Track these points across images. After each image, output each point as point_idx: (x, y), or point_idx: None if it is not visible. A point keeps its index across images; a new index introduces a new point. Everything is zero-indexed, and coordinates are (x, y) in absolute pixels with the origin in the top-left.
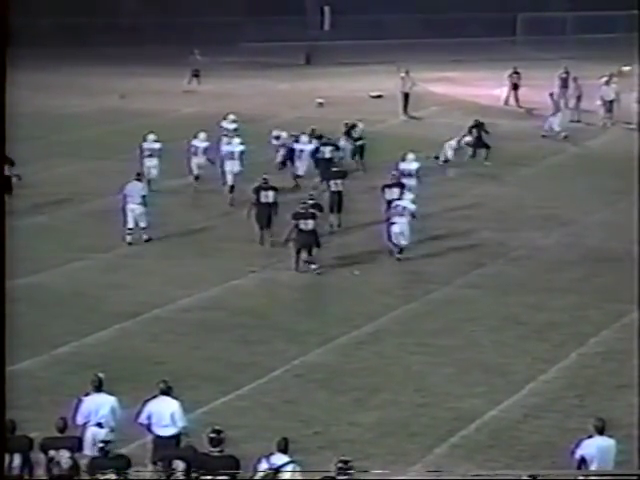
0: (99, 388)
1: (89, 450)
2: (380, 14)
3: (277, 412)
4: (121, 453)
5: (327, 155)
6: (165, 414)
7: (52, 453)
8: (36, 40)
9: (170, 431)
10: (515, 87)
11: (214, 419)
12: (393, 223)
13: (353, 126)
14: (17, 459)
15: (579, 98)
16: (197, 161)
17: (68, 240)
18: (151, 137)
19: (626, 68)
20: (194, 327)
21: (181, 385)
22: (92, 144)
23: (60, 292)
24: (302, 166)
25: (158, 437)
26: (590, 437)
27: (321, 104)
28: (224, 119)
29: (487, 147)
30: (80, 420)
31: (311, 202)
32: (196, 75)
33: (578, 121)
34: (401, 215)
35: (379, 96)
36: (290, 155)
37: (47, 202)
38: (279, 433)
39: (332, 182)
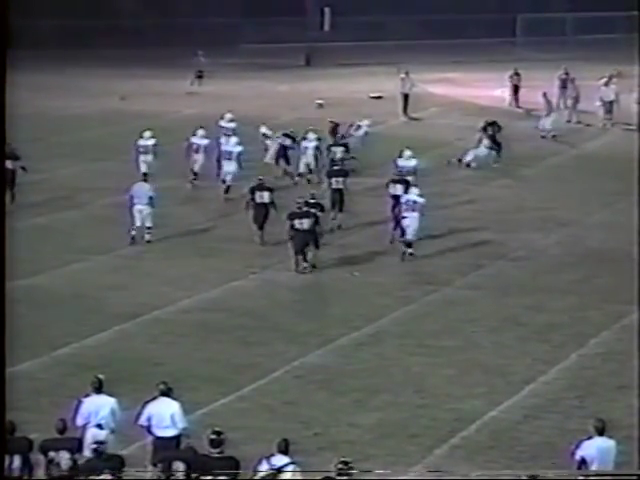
0: (99, 389)
1: (89, 451)
2: (380, 15)
3: (277, 413)
4: (115, 453)
5: (338, 155)
6: (165, 415)
7: (52, 454)
8: (37, 42)
9: (170, 432)
10: (516, 88)
11: (214, 420)
12: (404, 217)
13: (337, 125)
14: (17, 460)
15: (576, 99)
16: (196, 158)
17: (68, 241)
18: (147, 134)
19: (620, 69)
20: (194, 328)
21: (181, 386)
22: (93, 146)
23: (60, 293)
24: (303, 164)
25: (158, 438)
26: (590, 438)
27: (321, 105)
28: (221, 118)
29: (499, 149)
30: (80, 421)
31: (312, 201)
32: (200, 77)
33: (578, 122)
34: (413, 210)
35: (379, 97)
36: (283, 152)
37: (47, 203)
38: (279, 434)
39: (333, 180)
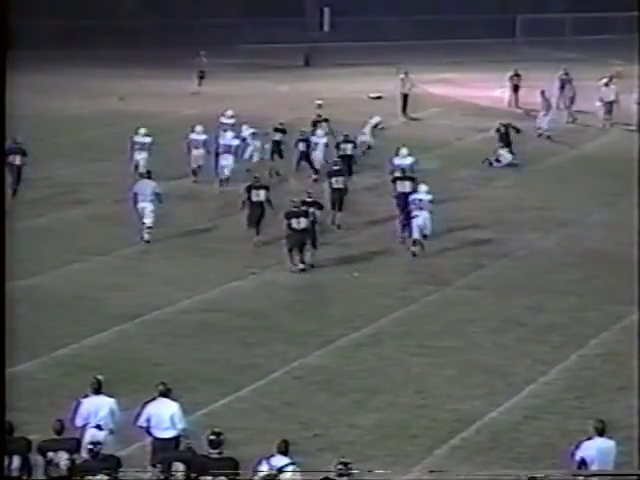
0: (98, 390)
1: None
2: (379, 15)
3: (277, 414)
4: (111, 454)
5: (349, 152)
6: (164, 416)
7: (50, 455)
8: (36, 42)
9: (170, 433)
10: (516, 89)
11: (213, 421)
12: (415, 217)
13: (318, 122)
14: (16, 461)
15: (572, 99)
16: (196, 153)
17: (68, 242)
18: (142, 131)
19: (619, 68)
20: (193, 329)
21: (180, 387)
22: (92, 146)
23: (60, 294)
24: (317, 159)
25: (157, 439)
26: (590, 439)
27: (320, 105)
28: (222, 115)
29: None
30: (79, 422)
31: (309, 200)
32: (202, 77)
33: (573, 121)
34: (421, 208)
35: (378, 97)
36: (277, 148)
37: (47, 204)
38: (279, 435)
39: (333, 179)
